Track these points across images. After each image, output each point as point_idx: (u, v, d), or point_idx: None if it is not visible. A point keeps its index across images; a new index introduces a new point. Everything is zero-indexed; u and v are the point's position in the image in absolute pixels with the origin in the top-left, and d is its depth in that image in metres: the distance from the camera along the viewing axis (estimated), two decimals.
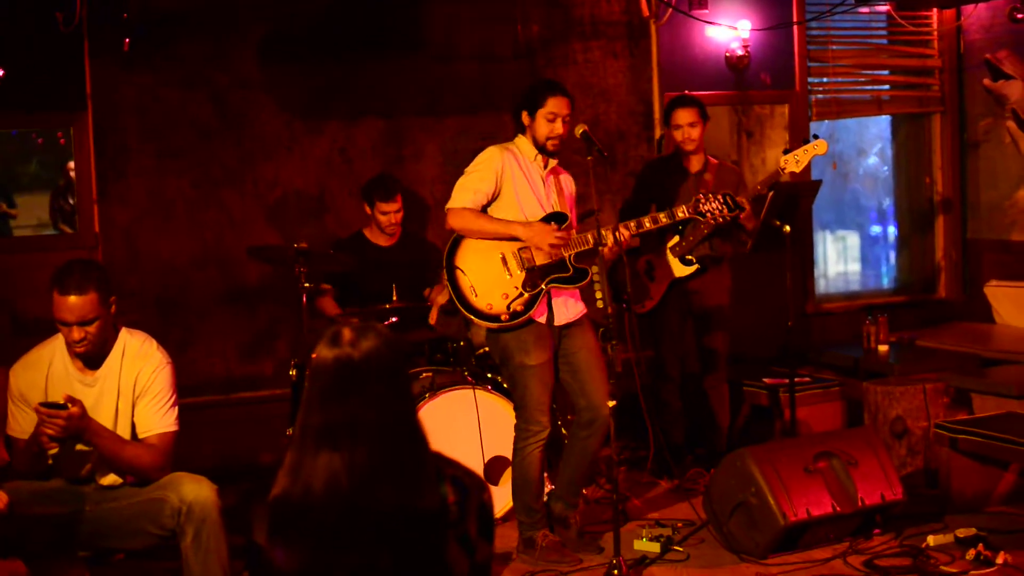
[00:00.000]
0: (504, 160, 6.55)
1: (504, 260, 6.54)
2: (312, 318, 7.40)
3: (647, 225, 6.67)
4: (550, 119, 6.53)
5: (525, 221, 6.53)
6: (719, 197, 6.72)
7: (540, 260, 6.52)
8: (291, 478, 3.27)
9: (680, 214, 6.77)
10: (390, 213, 8.00)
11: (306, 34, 8.68)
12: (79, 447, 5.27)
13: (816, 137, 7.18)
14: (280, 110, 8.70)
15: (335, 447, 3.23)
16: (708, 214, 6.74)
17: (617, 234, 6.46)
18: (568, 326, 6.65)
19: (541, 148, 6.58)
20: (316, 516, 3.23)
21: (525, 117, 6.62)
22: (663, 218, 6.71)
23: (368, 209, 8.08)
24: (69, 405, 5.04)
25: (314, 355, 3.35)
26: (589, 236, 6.48)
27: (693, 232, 7.76)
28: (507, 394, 7.07)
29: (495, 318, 6.52)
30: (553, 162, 6.68)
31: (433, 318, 7.74)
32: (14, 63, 7.84)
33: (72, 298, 5.15)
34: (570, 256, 6.54)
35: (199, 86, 8.53)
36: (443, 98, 9.10)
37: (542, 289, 6.52)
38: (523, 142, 6.66)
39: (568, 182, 6.82)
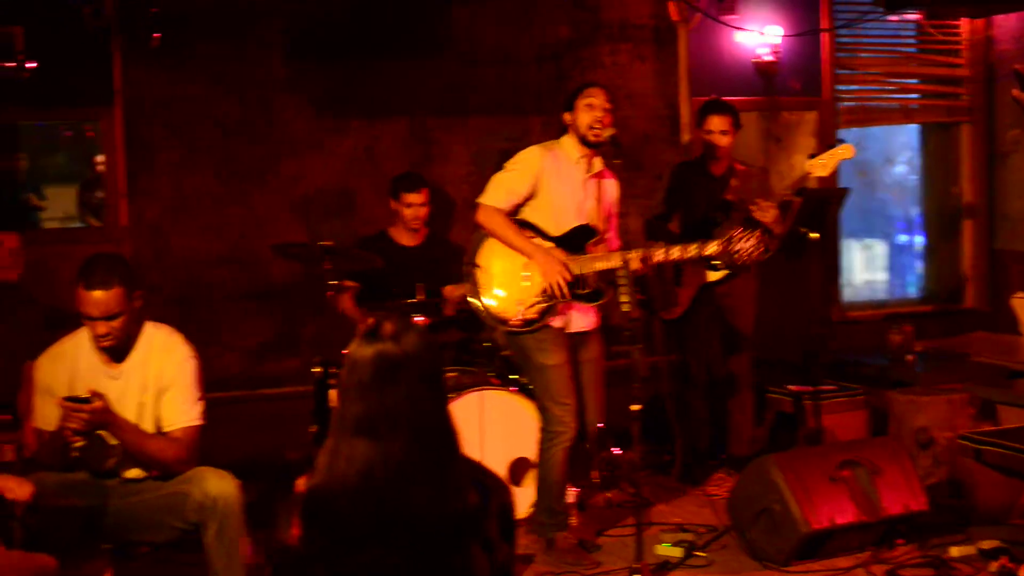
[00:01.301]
0: (544, 162, 6.56)
1: (527, 266, 6.54)
2: (336, 315, 7.41)
3: (675, 255, 6.59)
4: (589, 106, 6.53)
5: (545, 248, 6.52)
6: (755, 235, 6.63)
7: (545, 288, 6.53)
8: (327, 468, 3.30)
9: (710, 249, 6.62)
10: (415, 205, 7.99)
11: (331, 33, 8.69)
12: (104, 441, 5.27)
13: (842, 141, 7.14)
14: (306, 108, 8.71)
15: (372, 437, 3.25)
16: (736, 253, 6.68)
17: (642, 263, 6.42)
18: (581, 334, 6.67)
19: (583, 139, 6.56)
20: (347, 505, 3.25)
21: (567, 117, 6.64)
22: (692, 250, 6.60)
23: (393, 204, 8.07)
24: (93, 399, 5.05)
25: (353, 346, 3.37)
26: (616, 257, 6.44)
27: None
28: (532, 395, 7.08)
29: (506, 321, 6.56)
30: (598, 165, 6.65)
31: (449, 311, 7.73)
32: (44, 56, 7.83)
33: (97, 293, 5.16)
34: (590, 274, 6.55)
35: (225, 83, 8.55)
36: (469, 99, 9.09)
37: (558, 300, 6.52)
38: (568, 142, 6.66)
39: (611, 187, 6.78)
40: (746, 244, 6.61)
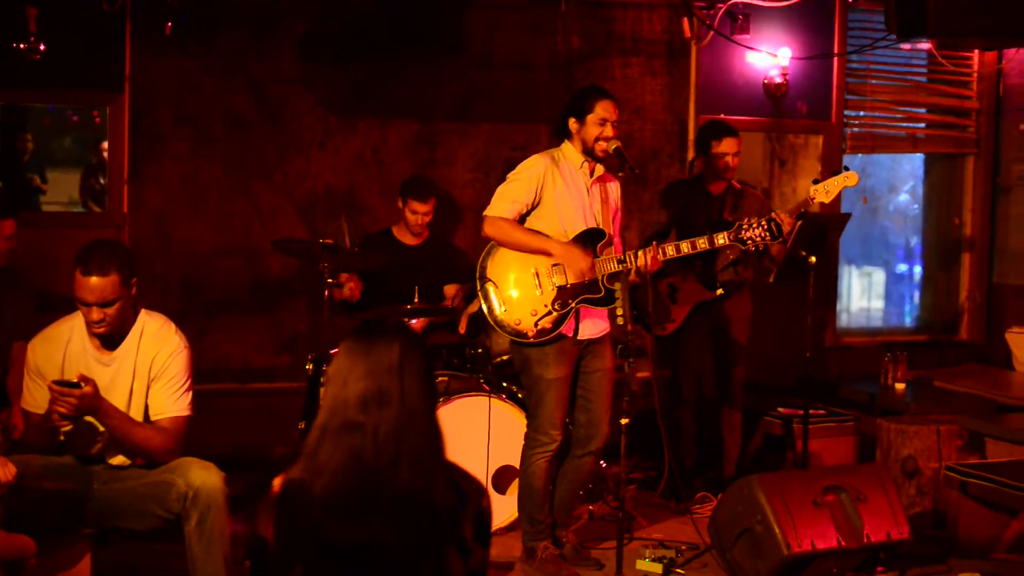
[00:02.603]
0: (546, 169, 6.50)
1: (536, 275, 6.50)
2: (332, 313, 7.44)
3: (684, 250, 6.56)
4: (600, 123, 6.46)
5: (560, 240, 6.48)
6: (763, 223, 6.56)
7: (572, 279, 6.47)
8: (312, 452, 3.34)
9: (720, 240, 6.60)
10: (419, 214, 8.03)
11: (345, 32, 8.71)
12: (91, 426, 5.29)
13: (847, 168, 7.14)
14: (315, 105, 8.73)
15: (364, 413, 3.32)
16: (750, 241, 6.61)
17: (653, 256, 6.41)
18: (591, 342, 6.61)
19: (589, 152, 6.52)
20: (331, 487, 3.28)
21: (573, 123, 6.56)
22: (702, 243, 6.57)
23: (400, 204, 8.10)
24: (82, 384, 5.06)
25: (351, 338, 3.41)
26: (628, 257, 6.39)
27: (719, 257, 7.75)
28: (521, 404, 7.10)
29: (522, 334, 6.49)
30: (600, 170, 6.60)
31: (463, 328, 7.76)
32: (56, 39, 7.88)
33: (94, 279, 5.18)
34: (602, 277, 6.49)
35: (236, 76, 8.57)
36: (478, 105, 9.11)
37: (571, 308, 6.49)
38: (569, 149, 6.60)
39: (615, 190, 6.71)
40: (755, 231, 6.58)
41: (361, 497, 3.29)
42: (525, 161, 6.63)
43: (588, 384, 6.64)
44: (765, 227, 6.57)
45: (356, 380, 3.37)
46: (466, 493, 3.41)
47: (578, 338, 6.55)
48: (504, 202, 6.53)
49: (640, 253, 6.39)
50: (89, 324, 5.29)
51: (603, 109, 6.50)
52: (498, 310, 6.54)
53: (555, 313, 6.47)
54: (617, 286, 6.35)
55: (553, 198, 6.52)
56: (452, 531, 3.35)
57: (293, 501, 3.34)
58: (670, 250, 6.53)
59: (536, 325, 6.47)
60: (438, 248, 8.26)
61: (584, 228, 6.54)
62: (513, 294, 6.53)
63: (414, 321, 7.46)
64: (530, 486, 6.60)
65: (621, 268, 6.38)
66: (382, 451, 3.30)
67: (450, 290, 8.08)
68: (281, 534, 3.34)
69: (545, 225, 6.53)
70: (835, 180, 7.09)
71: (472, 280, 6.77)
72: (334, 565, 3.31)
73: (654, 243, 6.48)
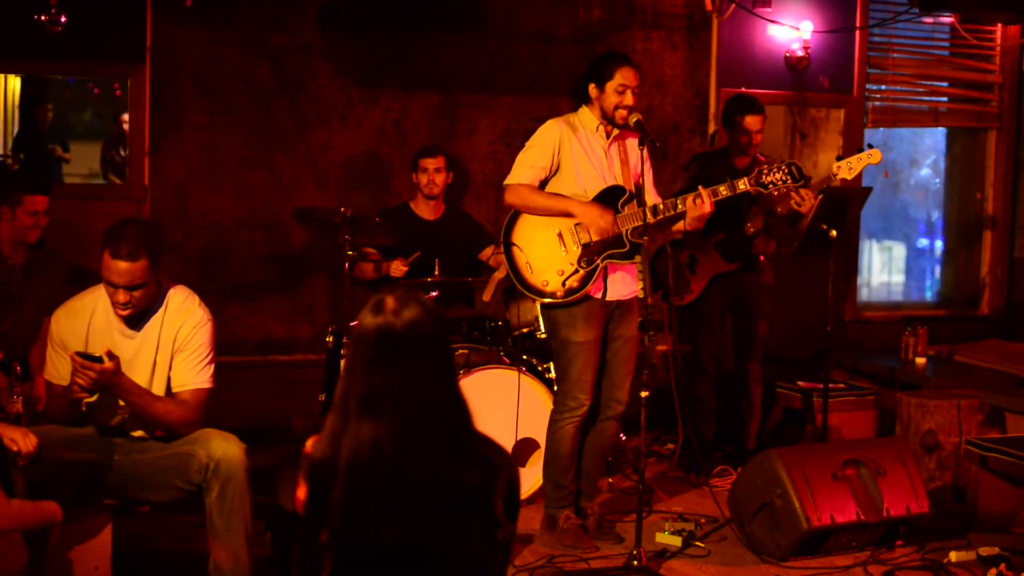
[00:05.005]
0: (562, 134, 6.50)
1: (560, 236, 6.49)
2: (352, 285, 7.43)
3: (705, 197, 6.48)
4: (620, 91, 6.43)
5: (581, 200, 6.48)
6: (783, 167, 6.50)
7: (596, 236, 6.48)
8: (331, 442, 3.31)
9: (741, 186, 6.52)
10: (430, 171, 8.03)
11: (366, 4, 8.68)
12: (114, 398, 5.29)
13: (871, 146, 7.11)
14: (337, 77, 8.72)
15: (377, 413, 3.26)
16: (771, 185, 6.52)
17: (696, 200, 6.37)
18: (620, 306, 6.59)
19: (611, 120, 6.50)
20: (357, 481, 3.26)
21: (593, 89, 6.52)
22: (723, 190, 6.51)
23: (414, 176, 8.11)
24: (105, 359, 5.07)
25: (356, 323, 3.38)
26: (648, 212, 6.33)
27: (739, 229, 7.74)
28: (540, 376, 7.11)
29: (551, 295, 6.49)
30: (616, 130, 6.58)
31: (488, 295, 7.74)
32: (77, 11, 7.87)
33: (124, 264, 5.16)
34: (627, 232, 6.46)
35: (258, 47, 8.56)
36: (499, 77, 9.10)
37: (598, 265, 6.47)
38: (586, 113, 6.58)
39: (635, 147, 6.61)
40: (776, 175, 6.54)
41: (389, 493, 3.27)
42: (541, 127, 6.61)
43: (611, 349, 6.63)
44: (786, 171, 6.52)
45: (367, 373, 3.31)
46: (496, 465, 3.39)
47: (606, 299, 6.54)
48: (524, 168, 6.53)
49: (664, 207, 6.38)
50: (114, 305, 5.29)
51: (623, 76, 6.47)
52: (525, 272, 6.54)
53: (582, 271, 6.46)
54: (637, 259, 6.33)
55: (572, 161, 6.51)
56: (483, 508, 3.33)
57: (322, 484, 3.32)
58: (690, 201, 6.46)
59: (564, 284, 6.46)
60: (455, 221, 8.25)
61: (603, 187, 6.53)
62: (539, 255, 6.52)
63: (433, 293, 7.46)
64: (556, 451, 6.60)
65: (674, 212, 6.39)
66: (403, 449, 3.26)
67: (486, 252, 8.09)
68: (312, 505, 3.33)
69: (566, 189, 6.52)
70: (858, 157, 7.06)
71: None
72: (363, 553, 3.30)
73: (673, 199, 6.48)
